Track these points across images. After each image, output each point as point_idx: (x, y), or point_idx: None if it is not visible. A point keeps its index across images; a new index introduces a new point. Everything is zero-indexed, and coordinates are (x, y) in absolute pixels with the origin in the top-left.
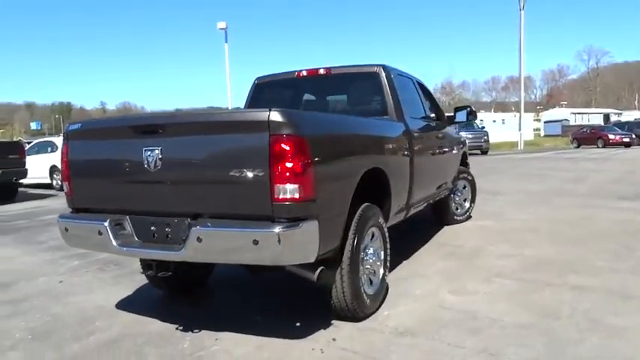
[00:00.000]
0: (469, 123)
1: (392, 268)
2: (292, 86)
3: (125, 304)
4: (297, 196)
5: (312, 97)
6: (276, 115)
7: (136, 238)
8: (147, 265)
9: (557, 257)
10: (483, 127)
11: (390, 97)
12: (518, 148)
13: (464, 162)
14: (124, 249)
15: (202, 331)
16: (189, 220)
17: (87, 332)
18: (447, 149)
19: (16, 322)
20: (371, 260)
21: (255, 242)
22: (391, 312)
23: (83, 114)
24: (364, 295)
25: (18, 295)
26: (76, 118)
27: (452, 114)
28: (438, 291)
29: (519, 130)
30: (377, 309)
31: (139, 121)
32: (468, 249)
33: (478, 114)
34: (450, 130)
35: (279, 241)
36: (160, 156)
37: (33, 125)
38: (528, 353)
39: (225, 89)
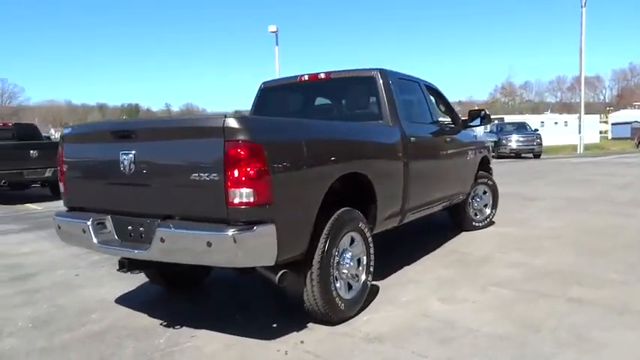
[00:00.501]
0: (521, 125)
1: (391, 273)
2: (294, 90)
3: (125, 299)
4: (251, 200)
5: (312, 101)
6: (231, 122)
7: (116, 237)
8: (120, 262)
9: (568, 268)
10: (536, 130)
11: (386, 101)
12: (578, 152)
13: (486, 167)
14: (102, 247)
15: (183, 328)
16: (158, 221)
17: (81, 323)
18: (459, 154)
19: (24, 311)
20: (348, 265)
21: (209, 244)
22: (371, 317)
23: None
24: (337, 299)
25: (35, 285)
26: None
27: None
28: (427, 298)
29: (579, 132)
30: (356, 314)
31: (116, 126)
32: (476, 256)
33: (540, 116)
34: (465, 134)
35: (232, 243)
36: (134, 159)
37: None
38: None
39: None
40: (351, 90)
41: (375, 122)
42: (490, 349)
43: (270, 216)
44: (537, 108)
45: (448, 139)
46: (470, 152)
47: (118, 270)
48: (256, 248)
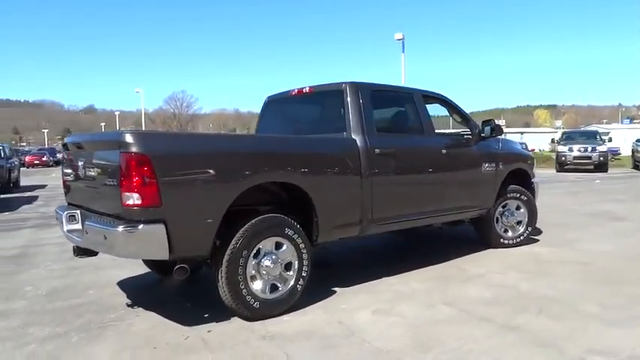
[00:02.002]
0: (591, 135)
1: (362, 281)
2: (288, 103)
3: (124, 282)
4: (139, 202)
5: (299, 113)
6: (126, 137)
7: (81, 228)
8: (73, 248)
9: (554, 294)
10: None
11: (350, 114)
12: None
13: (522, 181)
14: (67, 235)
15: (139, 309)
16: (92, 216)
17: (76, 296)
18: (466, 165)
19: (51, 283)
20: (270, 267)
21: (105, 237)
22: (291, 319)
23: None
24: (248, 297)
25: (77, 264)
26: None
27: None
28: (363, 308)
29: None
30: (283, 313)
31: (75, 138)
32: (467, 275)
33: None
34: (483, 145)
35: (120, 238)
36: (83, 165)
37: None
38: None
39: None
40: (325, 103)
41: (339, 134)
42: (359, 359)
43: (159, 217)
44: None
45: (446, 150)
46: (486, 164)
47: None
48: (145, 243)
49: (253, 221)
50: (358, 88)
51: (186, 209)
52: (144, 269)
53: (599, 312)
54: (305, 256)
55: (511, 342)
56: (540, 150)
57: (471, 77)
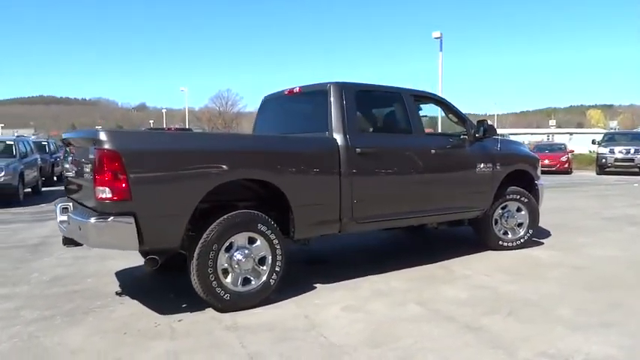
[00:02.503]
0: (636, 136)
1: (345, 278)
2: (280, 103)
3: (123, 271)
4: (110, 196)
5: (291, 112)
6: (100, 134)
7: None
8: (62, 238)
9: (533, 297)
10: None
11: (332, 113)
12: None
13: (525, 183)
14: (58, 225)
15: (126, 297)
16: (81, 208)
17: (74, 283)
18: (458, 166)
19: (56, 270)
20: (242, 261)
21: (80, 228)
22: (262, 311)
23: None
24: (218, 289)
25: (87, 253)
26: None
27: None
28: (335, 304)
29: None
30: (256, 306)
31: (66, 135)
32: (454, 275)
33: None
34: (480, 145)
35: (92, 229)
36: (72, 161)
37: None
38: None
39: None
40: (312, 102)
41: (322, 133)
42: (307, 352)
43: (130, 210)
44: None
45: (435, 150)
46: (482, 165)
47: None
48: (115, 235)
49: (225, 217)
50: (342, 88)
51: (156, 203)
52: (140, 260)
53: (571, 316)
54: (279, 251)
55: (466, 342)
56: (590, 152)
57: (523, 75)
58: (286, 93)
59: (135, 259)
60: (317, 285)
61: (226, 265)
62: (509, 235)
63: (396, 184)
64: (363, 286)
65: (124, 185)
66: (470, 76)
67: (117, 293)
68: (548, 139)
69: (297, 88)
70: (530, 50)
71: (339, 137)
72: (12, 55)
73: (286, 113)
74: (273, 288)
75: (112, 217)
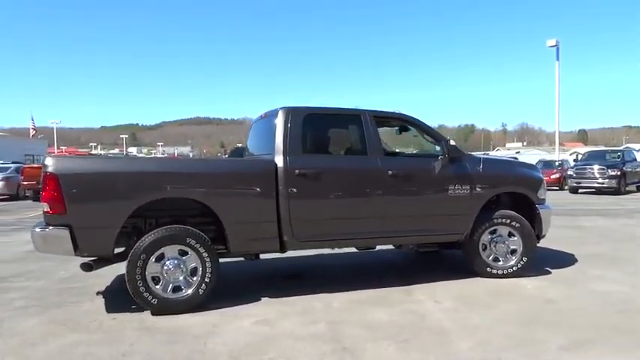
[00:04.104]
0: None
1: (312, 293)
2: (256, 125)
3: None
4: (49, 210)
5: (258, 135)
6: (47, 160)
7: None
8: None
9: (453, 329)
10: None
11: (277, 136)
12: None
13: (522, 206)
14: None
15: (99, 296)
16: None
17: (78, 281)
18: (425, 187)
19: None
20: (171, 270)
21: (32, 236)
22: (186, 317)
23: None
24: (146, 294)
25: None
26: (476, 139)
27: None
28: (254, 317)
29: None
30: (184, 312)
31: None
32: (404, 299)
33: None
34: (450, 167)
35: (37, 237)
36: None
37: None
38: None
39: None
40: (269, 126)
41: (269, 155)
42: (172, 353)
43: (65, 222)
44: None
45: (394, 171)
46: (456, 186)
47: None
48: (53, 242)
49: (155, 231)
50: (289, 112)
51: (88, 217)
52: None
53: (465, 350)
54: (208, 264)
55: None
56: None
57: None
58: (262, 116)
59: None
60: (263, 299)
61: (157, 273)
62: (500, 262)
63: (342, 204)
64: (299, 304)
65: (60, 201)
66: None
67: (98, 292)
68: None
69: (264, 114)
70: None
71: (279, 159)
72: (173, 80)
73: (258, 135)
74: (203, 297)
75: (50, 228)
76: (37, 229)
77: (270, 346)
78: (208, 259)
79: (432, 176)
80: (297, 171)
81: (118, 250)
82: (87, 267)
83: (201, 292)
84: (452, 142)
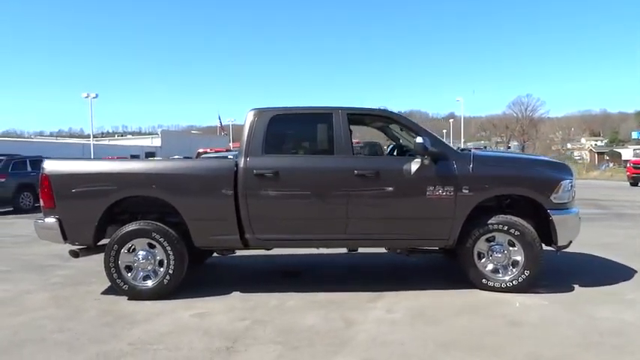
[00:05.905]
0: None
1: (286, 292)
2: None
3: None
4: (43, 205)
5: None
6: (44, 162)
7: None
8: None
9: (391, 341)
10: None
11: (242, 137)
12: None
13: (530, 211)
14: None
15: (96, 281)
16: None
17: (87, 273)
18: (386, 189)
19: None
20: (140, 261)
21: (35, 224)
22: (146, 304)
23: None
24: (118, 281)
25: None
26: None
27: None
28: (201, 309)
29: None
30: (152, 299)
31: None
32: (367, 306)
33: None
34: (443, 166)
35: (37, 227)
36: None
37: (635, 135)
38: None
39: None
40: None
41: (234, 156)
42: (95, 330)
43: (55, 215)
44: None
45: (360, 171)
46: (436, 187)
47: None
48: (47, 232)
49: (127, 225)
50: (256, 113)
51: (71, 211)
52: None
53: None
54: (172, 257)
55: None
56: None
57: None
58: None
59: None
60: (233, 293)
61: (129, 262)
62: (500, 275)
63: (302, 205)
64: (260, 301)
65: (50, 198)
66: None
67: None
68: None
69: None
70: None
71: (240, 159)
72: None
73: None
74: (170, 287)
75: (44, 219)
76: (38, 221)
77: (173, 337)
78: (172, 253)
79: (406, 176)
80: (254, 171)
81: (105, 242)
82: (74, 254)
83: (166, 282)
84: (418, 140)
